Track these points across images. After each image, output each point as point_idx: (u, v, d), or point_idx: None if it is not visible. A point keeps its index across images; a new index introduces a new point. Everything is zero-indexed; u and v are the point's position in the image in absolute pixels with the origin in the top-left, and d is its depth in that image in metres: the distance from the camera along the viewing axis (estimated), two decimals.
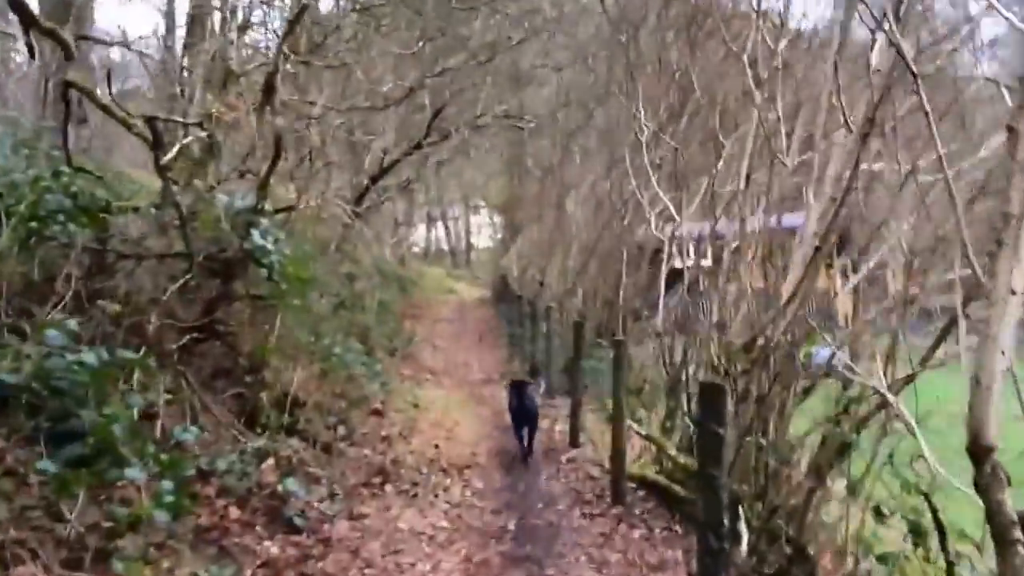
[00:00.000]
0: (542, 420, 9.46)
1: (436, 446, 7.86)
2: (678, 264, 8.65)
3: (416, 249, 50.51)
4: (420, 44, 11.61)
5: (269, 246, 4.93)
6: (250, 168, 6.85)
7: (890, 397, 3.42)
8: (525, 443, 7.61)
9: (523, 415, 7.66)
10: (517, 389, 7.88)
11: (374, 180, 14.52)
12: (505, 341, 18.31)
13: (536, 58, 14.85)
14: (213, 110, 6.14)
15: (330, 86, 11.93)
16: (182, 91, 9.37)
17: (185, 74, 10.50)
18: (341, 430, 7.62)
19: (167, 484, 3.77)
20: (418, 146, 14.06)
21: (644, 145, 10.62)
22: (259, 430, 5.94)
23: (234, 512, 4.82)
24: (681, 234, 8.55)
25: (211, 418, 5.68)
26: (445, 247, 57.52)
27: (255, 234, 4.90)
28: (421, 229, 53.73)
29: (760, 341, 4.50)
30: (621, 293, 11.69)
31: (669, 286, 8.29)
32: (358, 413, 8.78)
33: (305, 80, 12.02)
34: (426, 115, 13.88)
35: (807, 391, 4.85)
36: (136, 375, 4.47)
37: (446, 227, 57.33)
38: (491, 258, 45.13)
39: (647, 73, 11.02)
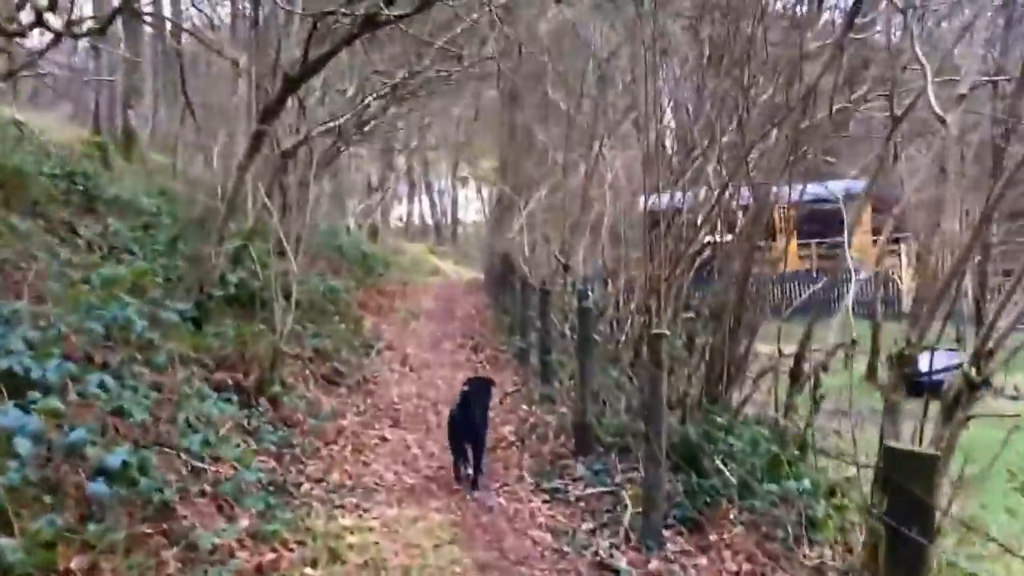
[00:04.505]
0: None
1: None
2: None
3: (399, 223, 44.57)
4: None
5: None
6: None
7: None
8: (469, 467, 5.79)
9: (466, 428, 5.81)
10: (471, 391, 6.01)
11: (292, 84, 8.09)
12: (513, 353, 11.96)
13: None
14: None
15: None
16: None
17: None
18: None
19: None
20: (374, 21, 7.58)
21: None
22: None
23: None
24: None
25: None
26: (429, 221, 51.24)
27: None
28: (404, 203, 47.78)
29: None
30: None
31: None
32: None
33: None
34: None
35: None
36: None
37: (431, 199, 51.06)
38: (479, 232, 39.66)
39: None
